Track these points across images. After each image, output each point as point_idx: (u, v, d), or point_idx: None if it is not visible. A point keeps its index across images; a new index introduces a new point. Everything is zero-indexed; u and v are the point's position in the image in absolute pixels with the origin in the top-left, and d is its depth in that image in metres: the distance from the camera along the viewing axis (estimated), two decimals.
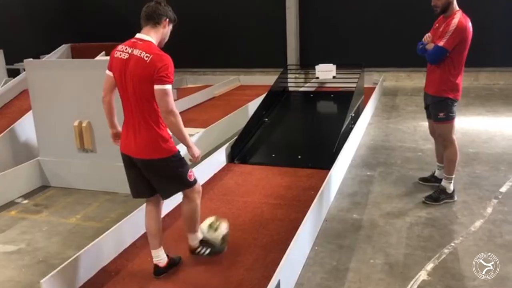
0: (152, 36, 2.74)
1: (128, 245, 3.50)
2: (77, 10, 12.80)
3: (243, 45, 11.79)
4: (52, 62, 4.97)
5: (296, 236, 3.08)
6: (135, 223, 3.58)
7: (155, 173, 2.84)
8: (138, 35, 2.76)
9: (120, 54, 2.72)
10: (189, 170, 2.92)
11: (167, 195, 2.99)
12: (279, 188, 4.54)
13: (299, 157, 5.43)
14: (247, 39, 11.73)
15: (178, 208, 4.11)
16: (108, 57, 5.13)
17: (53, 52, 5.42)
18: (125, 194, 4.54)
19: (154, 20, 2.74)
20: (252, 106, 7.21)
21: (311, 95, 7.70)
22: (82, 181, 4.76)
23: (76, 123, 4.57)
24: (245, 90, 10.31)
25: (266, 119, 6.43)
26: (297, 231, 3.15)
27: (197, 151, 2.88)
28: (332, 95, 7.29)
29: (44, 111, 4.77)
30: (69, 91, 4.60)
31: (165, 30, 2.81)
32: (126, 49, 2.71)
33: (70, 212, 4.27)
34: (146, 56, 2.61)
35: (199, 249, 3.20)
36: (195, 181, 2.98)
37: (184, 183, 2.92)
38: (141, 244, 3.52)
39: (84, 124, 4.54)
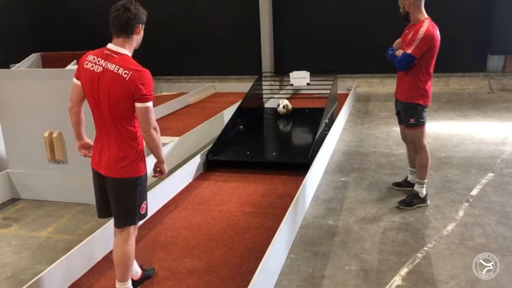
0: (127, 48, 2.58)
1: (101, 258, 3.43)
2: (48, 19, 12.57)
3: (218, 53, 11.79)
4: (21, 72, 4.85)
5: (271, 244, 3.07)
6: (108, 235, 3.51)
7: (118, 192, 2.69)
8: (111, 47, 2.58)
9: (92, 66, 2.55)
10: (145, 202, 2.78)
11: (120, 222, 2.75)
12: (254, 196, 4.53)
13: (274, 153, 5.45)
14: (222, 46, 11.73)
15: (151, 219, 4.07)
16: None
17: (23, 61, 5.27)
18: None
19: (127, 33, 2.56)
20: (227, 113, 7.20)
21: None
22: (54, 193, 4.65)
23: (46, 134, 4.46)
24: (220, 97, 10.31)
25: (242, 127, 6.42)
26: (272, 239, 3.15)
27: (166, 168, 2.83)
28: (307, 111, 7.32)
29: (13, 121, 4.64)
30: (39, 101, 4.49)
31: (139, 36, 2.66)
32: (99, 61, 2.55)
33: (41, 225, 4.16)
34: (125, 73, 2.47)
35: None
36: (145, 215, 2.82)
37: (134, 212, 2.72)
38: None
39: (54, 135, 4.45)
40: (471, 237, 3.55)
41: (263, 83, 8.05)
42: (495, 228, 3.68)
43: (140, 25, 2.61)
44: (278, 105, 7.20)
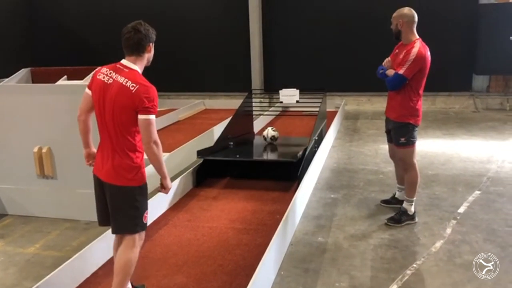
0: (138, 65, 2.76)
1: (89, 274, 3.40)
2: (37, 34, 12.57)
3: (208, 69, 11.86)
4: (11, 87, 4.83)
5: (261, 261, 3.07)
6: (97, 251, 3.49)
7: (117, 200, 2.76)
8: (124, 62, 2.76)
9: (104, 77, 2.71)
10: (146, 211, 2.84)
11: (117, 229, 2.82)
12: (244, 213, 4.54)
13: (264, 157, 5.51)
14: (212, 63, 11.81)
15: None
16: (69, 82, 5.05)
17: (12, 76, 5.24)
18: (87, 221, 4.42)
19: (139, 51, 2.76)
20: (217, 130, 7.22)
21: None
22: (42, 208, 4.60)
23: (35, 149, 4.44)
24: (210, 114, 10.34)
25: (231, 143, 6.43)
26: (262, 256, 3.15)
27: (170, 183, 2.88)
28: (296, 138, 7.35)
29: (2, 136, 4.61)
30: (29, 116, 4.48)
31: (150, 54, 2.85)
32: (110, 73, 2.71)
33: (29, 241, 4.11)
34: (132, 86, 2.62)
35: None
36: (146, 225, 2.87)
37: (137, 222, 2.79)
38: (104, 273, 3.42)
39: (44, 150, 4.42)
40: (459, 254, 3.59)
41: (253, 100, 8.10)
42: (482, 245, 3.72)
43: (150, 44, 2.81)
44: (274, 138, 6.28)
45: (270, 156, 5.97)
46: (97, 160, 2.84)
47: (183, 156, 6.26)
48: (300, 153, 5.32)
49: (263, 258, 3.10)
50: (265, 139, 6.30)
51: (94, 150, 2.98)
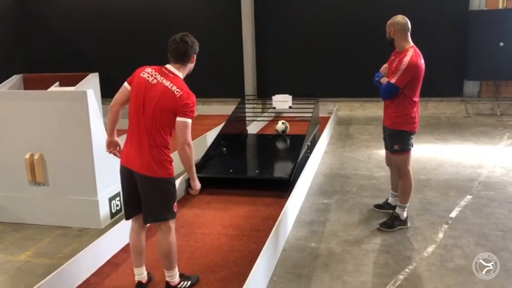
0: (181, 72, 3.00)
1: (81, 282, 3.38)
2: (30, 40, 12.53)
3: (201, 75, 11.83)
4: (3, 93, 4.82)
5: (254, 267, 3.07)
6: (89, 259, 3.47)
7: (151, 190, 2.97)
8: (169, 67, 2.99)
9: (148, 77, 2.92)
10: (176, 201, 3.08)
11: (150, 219, 3.05)
12: (238, 219, 4.53)
13: (257, 171, 5.50)
14: (205, 69, 11.79)
15: None
16: (61, 88, 5.05)
17: (4, 83, 5.24)
18: (79, 228, 4.40)
19: (184, 61, 2.99)
20: (210, 136, 7.22)
21: (269, 137, 7.74)
22: (34, 215, 4.57)
23: (27, 156, 4.42)
24: (203, 120, 10.33)
25: (224, 149, 6.45)
26: (255, 262, 3.15)
27: (198, 184, 3.13)
28: (289, 137, 7.39)
29: None
30: (21, 122, 4.46)
31: (193, 64, 3.09)
32: (155, 74, 2.93)
33: (20, 249, 4.08)
34: (177, 91, 2.84)
35: (180, 285, 3.19)
36: (175, 214, 3.10)
37: (169, 210, 3.03)
38: (96, 281, 3.41)
39: (36, 157, 4.40)
40: (450, 259, 3.60)
41: (246, 106, 8.13)
42: (474, 249, 3.74)
43: (194, 55, 3.06)
44: (284, 131, 7.54)
45: (263, 169, 5.92)
46: (130, 152, 2.98)
47: (176, 162, 6.22)
48: (292, 167, 5.36)
49: (255, 264, 3.10)
50: (276, 131, 7.44)
51: (117, 139, 3.19)
